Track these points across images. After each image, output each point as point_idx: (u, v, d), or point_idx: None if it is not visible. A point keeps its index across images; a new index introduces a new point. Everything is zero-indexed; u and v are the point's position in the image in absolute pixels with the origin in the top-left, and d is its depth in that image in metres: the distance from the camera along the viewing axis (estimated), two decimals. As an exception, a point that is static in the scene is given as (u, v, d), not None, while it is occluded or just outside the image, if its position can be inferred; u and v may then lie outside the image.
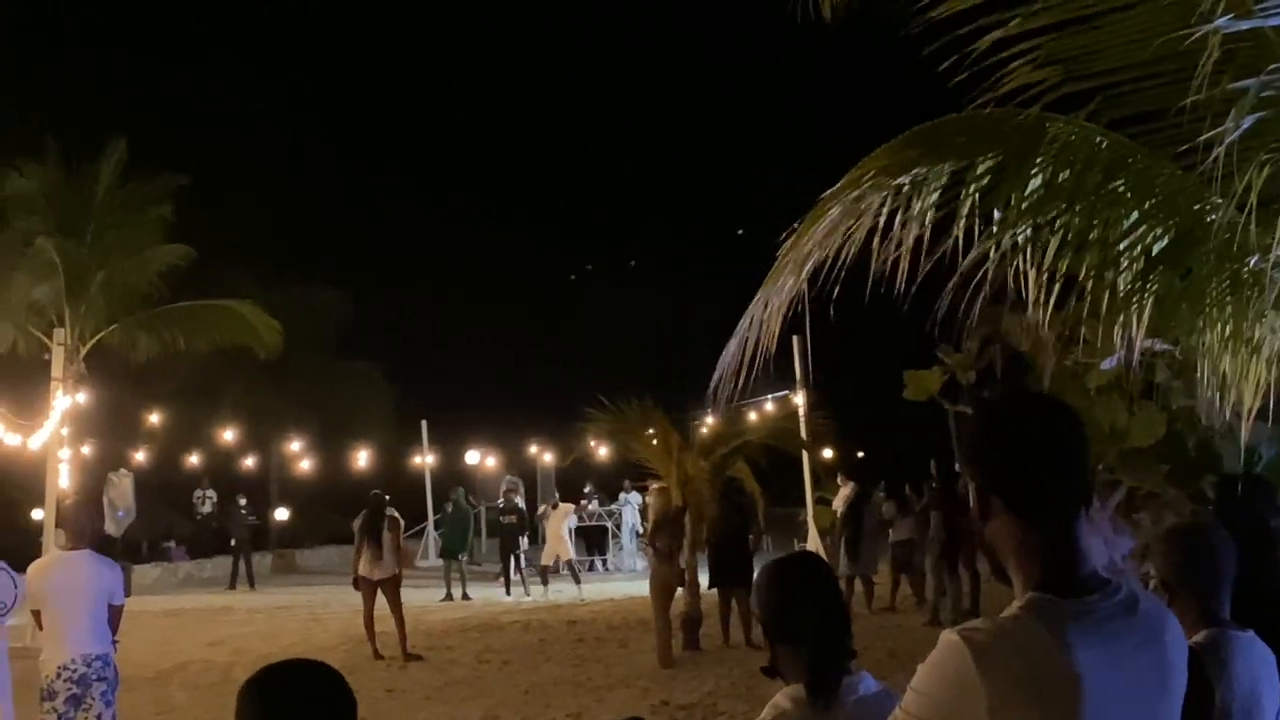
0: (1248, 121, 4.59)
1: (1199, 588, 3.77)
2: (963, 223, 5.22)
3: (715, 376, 6.07)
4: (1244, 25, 4.69)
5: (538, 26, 70.75)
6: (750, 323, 5.83)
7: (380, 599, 17.10)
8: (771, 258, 5.98)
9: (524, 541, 26.86)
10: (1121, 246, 5.19)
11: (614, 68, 67.49)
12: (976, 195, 5.29)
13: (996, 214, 5.27)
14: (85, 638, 8.15)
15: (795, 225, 5.78)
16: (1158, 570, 3.96)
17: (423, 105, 64.50)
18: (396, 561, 17.51)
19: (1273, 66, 4.60)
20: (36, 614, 8.36)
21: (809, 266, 5.55)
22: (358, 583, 17.34)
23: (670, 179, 64.74)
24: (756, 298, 5.89)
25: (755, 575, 3.42)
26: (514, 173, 62.01)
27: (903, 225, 5.40)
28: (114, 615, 8.35)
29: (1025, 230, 5.21)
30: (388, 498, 18.39)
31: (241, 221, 39.15)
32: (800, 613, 3.14)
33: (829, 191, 5.57)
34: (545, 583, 25.81)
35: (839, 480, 21.59)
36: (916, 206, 5.40)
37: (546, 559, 26.29)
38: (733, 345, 5.95)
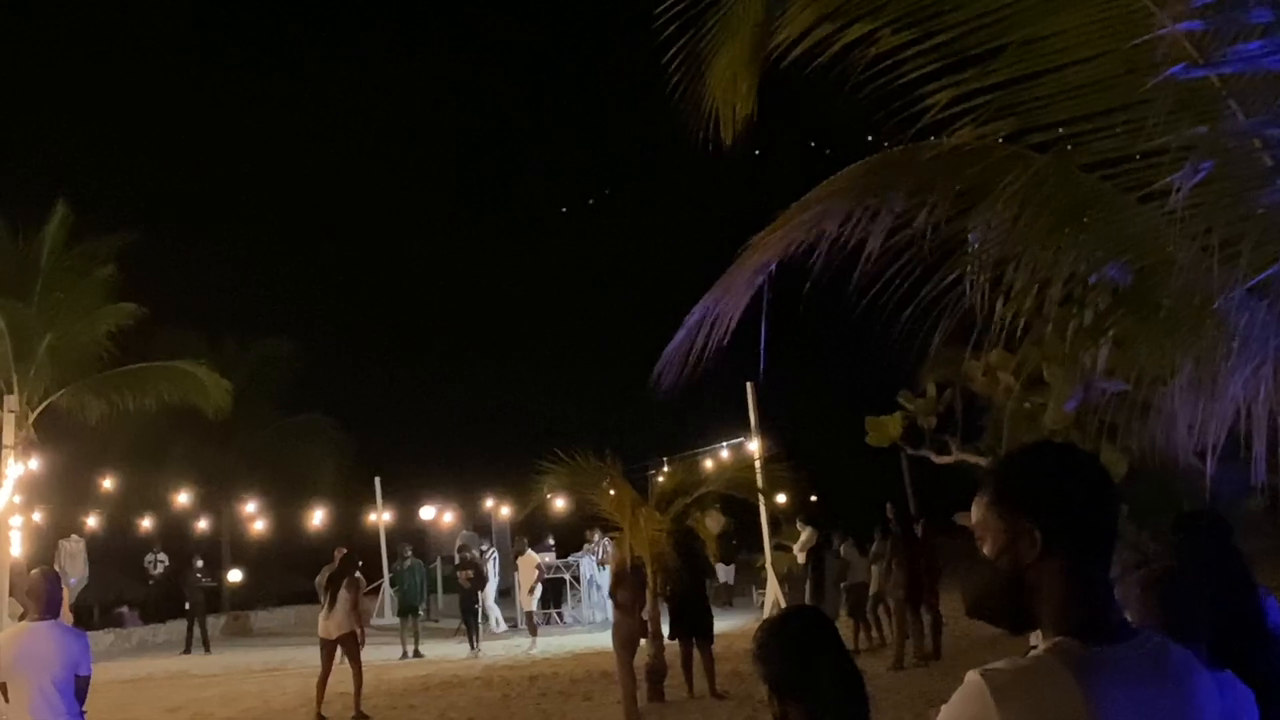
0: (1204, 168, 4.69)
1: (1172, 633, 3.79)
2: (926, 248, 5.27)
3: (659, 364, 6.10)
4: (1196, 74, 4.79)
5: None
6: (703, 316, 5.89)
7: (340, 658, 17.17)
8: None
9: (481, 596, 26.94)
10: (1087, 283, 5.26)
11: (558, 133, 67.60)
12: (934, 224, 5.34)
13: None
14: (53, 709, 8.02)
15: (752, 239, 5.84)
16: (1131, 616, 3.98)
17: (372, 151, 64.49)
18: (354, 619, 17.53)
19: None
20: (2, 686, 8.23)
21: (763, 273, 5.61)
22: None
23: (622, 232, 64.86)
24: (708, 294, 5.94)
25: (757, 632, 3.41)
26: (466, 218, 62.03)
27: (856, 248, 5.44)
28: (81, 686, 8.23)
29: (988, 263, 5.27)
30: (361, 563, 18.63)
31: (188, 276, 38.97)
32: (818, 670, 3.13)
33: (790, 209, 5.63)
34: (533, 632, 25.86)
35: (798, 526, 21.64)
36: (872, 230, 5.44)
37: (527, 606, 26.49)
38: (681, 335, 5.99)
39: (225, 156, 55.99)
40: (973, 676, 2.29)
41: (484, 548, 29.92)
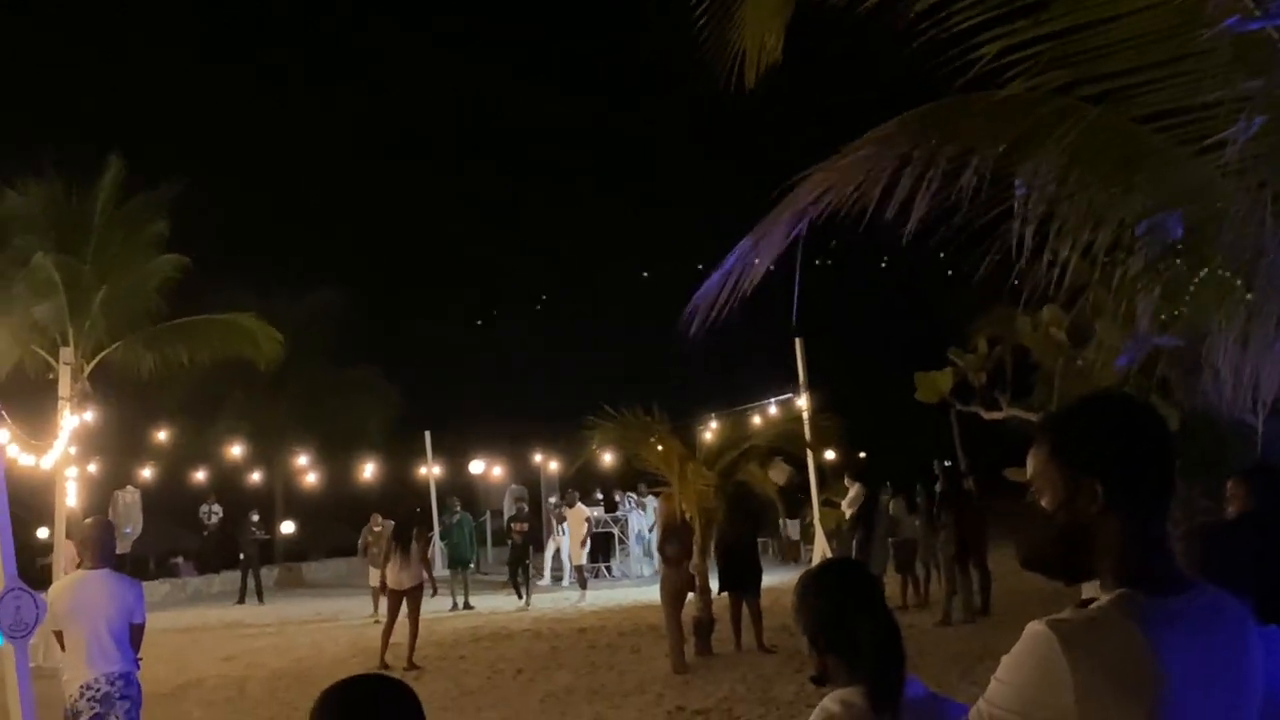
0: (1258, 122, 4.62)
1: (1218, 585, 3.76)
2: (972, 198, 5.18)
3: (690, 305, 6.05)
4: (1252, 26, 4.71)
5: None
6: (740, 257, 5.84)
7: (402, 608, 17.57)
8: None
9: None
10: (1136, 231, 5.20)
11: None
12: (984, 176, 5.25)
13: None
14: (108, 656, 8.16)
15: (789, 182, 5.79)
16: None
17: (422, 105, 64.45)
18: (421, 571, 18.04)
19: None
20: (58, 634, 8.36)
21: (806, 217, 5.55)
22: (383, 588, 18.25)
23: (673, 196, 64.52)
24: (748, 236, 5.89)
25: (796, 584, 3.40)
26: (517, 177, 61.92)
27: (904, 200, 5.36)
28: (136, 633, 8.36)
29: (1035, 214, 5.18)
30: (419, 510, 19.02)
31: (237, 226, 39.16)
32: (856, 621, 3.13)
33: (836, 154, 5.57)
34: (582, 585, 26.42)
35: (846, 482, 21.60)
36: (920, 178, 5.35)
37: (576, 559, 27.18)
38: (715, 278, 5.95)
39: (275, 109, 56.16)
40: (1038, 627, 2.26)
41: (552, 501, 30.32)
